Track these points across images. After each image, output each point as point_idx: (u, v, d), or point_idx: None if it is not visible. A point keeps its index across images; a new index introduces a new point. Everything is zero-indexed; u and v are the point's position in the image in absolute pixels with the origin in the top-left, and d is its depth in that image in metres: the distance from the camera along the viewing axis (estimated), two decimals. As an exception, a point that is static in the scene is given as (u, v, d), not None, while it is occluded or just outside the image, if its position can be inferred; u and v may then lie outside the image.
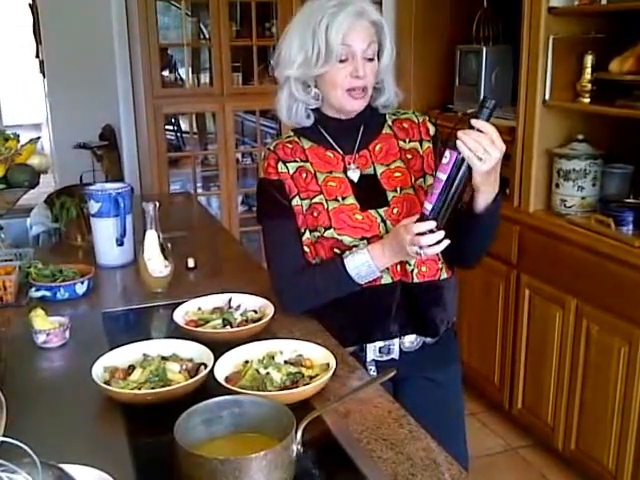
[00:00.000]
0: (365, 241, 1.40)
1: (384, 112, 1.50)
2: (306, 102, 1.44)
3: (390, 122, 1.50)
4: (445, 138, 1.34)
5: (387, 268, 1.40)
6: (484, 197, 1.31)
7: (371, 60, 1.39)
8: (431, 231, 1.26)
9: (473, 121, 1.22)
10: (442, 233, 1.27)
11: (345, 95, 1.39)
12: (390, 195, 1.43)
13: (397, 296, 1.43)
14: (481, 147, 1.20)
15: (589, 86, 2.30)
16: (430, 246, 1.27)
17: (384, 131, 1.49)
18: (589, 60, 2.29)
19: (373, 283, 1.41)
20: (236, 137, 4.12)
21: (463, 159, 1.22)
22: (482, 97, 1.27)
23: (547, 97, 2.40)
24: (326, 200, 1.42)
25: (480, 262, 1.53)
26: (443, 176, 1.24)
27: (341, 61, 1.37)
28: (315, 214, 1.42)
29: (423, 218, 1.28)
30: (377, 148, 1.47)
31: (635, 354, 2.05)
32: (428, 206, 1.27)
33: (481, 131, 1.21)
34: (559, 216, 2.40)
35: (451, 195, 1.24)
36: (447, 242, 1.28)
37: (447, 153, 1.23)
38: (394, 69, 1.48)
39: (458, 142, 1.21)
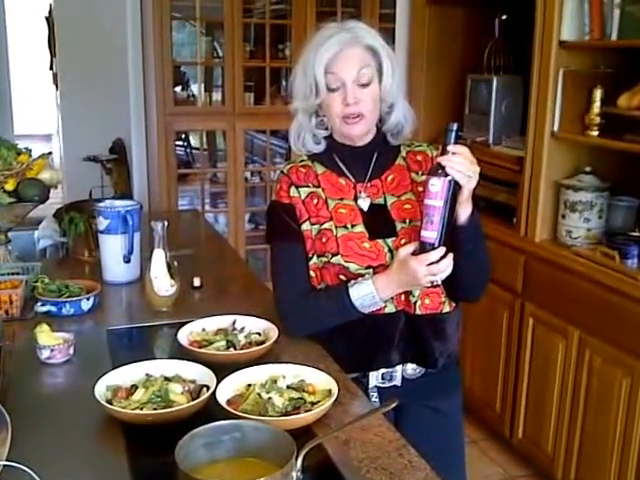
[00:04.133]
0: (371, 270, 1.41)
1: (397, 143, 1.51)
2: (312, 131, 1.48)
3: (404, 154, 1.51)
4: (430, 167, 1.40)
5: (391, 297, 1.42)
6: (465, 211, 1.35)
7: (365, 85, 1.40)
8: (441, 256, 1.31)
9: (450, 147, 1.29)
10: (450, 255, 1.32)
11: (342, 122, 1.42)
12: (399, 226, 1.44)
13: (400, 326, 1.44)
14: (466, 166, 1.27)
15: (597, 120, 2.31)
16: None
17: (397, 162, 1.50)
18: (598, 94, 2.31)
19: (377, 312, 1.42)
20: (246, 155, 4.14)
21: (450, 182, 1.28)
22: (446, 124, 1.32)
23: (556, 129, 2.41)
24: (335, 227, 1.44)
25: (484, 293, 1.53)
26: (439, 202, 1.28)
27: (332, 90, 1.40)
28: (324, 240, 1.44)
29: (427, 247, 1.31)
30: (389, 178, 1.48)
31: (637, 387, 2.04)
32: (432, 234, 1.30)
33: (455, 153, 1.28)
34: (565, 247, 2.41)
35: (448, 217, 1.30)
36: (451, 257, 1.31)
37: (434, 181, 1.28)
38: (403, 93, 1.49)
39: (448, 168, 1.27)
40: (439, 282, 1.40)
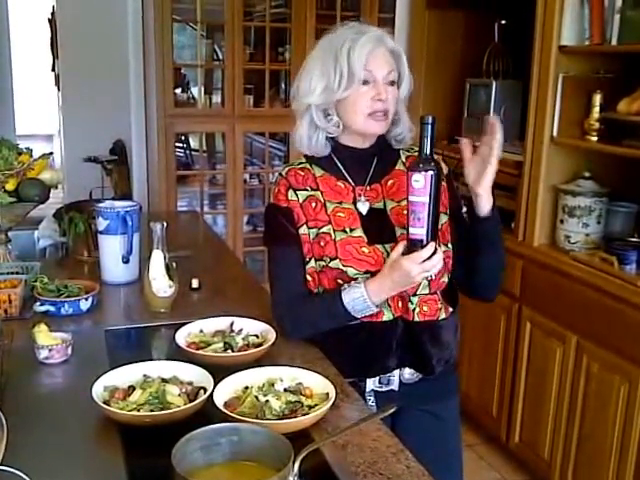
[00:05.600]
0: (369, 275, 1.40)
1: (397, 147, 1.51)
2: (326, 130, 1.45)
3: (404, 158, 1.51)
4: (409, 164, 1.40)
5: (388, 305, 1.42)
6: (488, 202, 1.37)
7: (392, 85, 1.41)
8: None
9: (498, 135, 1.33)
10: (440, 249, 1.32)
11: (367, 119, 1.40)
12: (398, 232, 1.43)
13: (398, 333, 1.44)
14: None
15: (597, 125, 2.32)
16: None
17: (397, 167, 1.50)
18: (597, 99, 2.32)
19: (375, 319, 1.42)
20: (245, 158, 4.15)
21: (432, 176, 1.27)
22: (420, 117, 1.31)
23: (555, 134, 2.42)
24: (334, 230, 1.43)
25: (498, 293, 1.55)
26: (424, 198, 1.28)
27: (363, 84, 1.39)
28: (322, 244, 1.43)
29: (417, 244, 1.30)
30: (389, 183, 1.48)
31: (635, 393, 2.04)
32: (420, 231, 1.29)
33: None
34: (563, 252, 2.41)
35: (434, 212, 1.30)
36: (441, 251, 1.33)
37: (417, 177, 1.28)
38: (406, 105, 1.49)
39: (495, 149, 1.32)
40: (433, 277, 1.40)
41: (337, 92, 1.39)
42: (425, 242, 1.30)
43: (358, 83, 1.38)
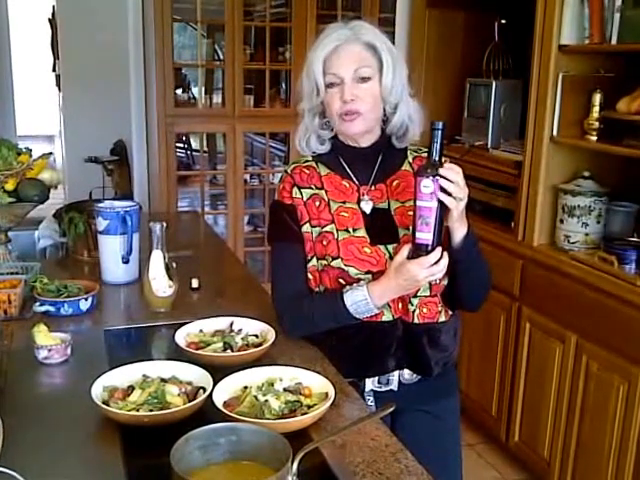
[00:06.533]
0: (370, 275, 1.40)
1: (403, 145, 1.50)
2: (317, 132, 1.47)
3: (411, 159, 1.51)
4: (417, 168, 1.38)
5: (389, 305, 1.42)
6: (460, 232, 1.35)
7: (365, 81, 1.39)
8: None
9: (446, 165, 1.27)
10: (445, 253, 1.31)
11: (340, 120, 1.42)
12: (401, 232, 1.43)
13: (397, 334, 1.44)
14: (459, 189, 1.27)
15: (596, 124, 2.32)
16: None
17: (404, 168, 1.49)
18: (597, 98, 2.32)
19: (374, 319, 1.42)
20: (245, 158, 4.15)
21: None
22: (431, 123, 1.30)
23: (555, 133, 2.42)
24: (337, 230, 1.43)
25: (482, 304, 1.53)
26: (433, 203, 1.27)
27: (331, 87, 1.40)
28: (324, 243, 1.43)
29: (423, 249, 1.30)
30: (394, 183, 1.48)
31: (634, 393, 2.04)
32: (428, 236, 1.29)
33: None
34: (562, 251, 2.41)
35: (440, 217, 1.29)
36: (447, 255, 1.32)
37: (426, 182, 1.27)
38: (408, 91, 1.46)
39: (443, 183, 1.26)
40: (438, 282, 1.41)
41: (313, 99, 1.43)
42: (431, 247, 1.30)
43: (323, 89, 1.41)
